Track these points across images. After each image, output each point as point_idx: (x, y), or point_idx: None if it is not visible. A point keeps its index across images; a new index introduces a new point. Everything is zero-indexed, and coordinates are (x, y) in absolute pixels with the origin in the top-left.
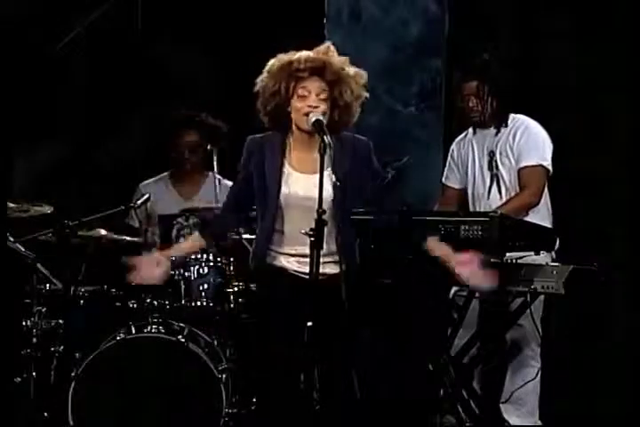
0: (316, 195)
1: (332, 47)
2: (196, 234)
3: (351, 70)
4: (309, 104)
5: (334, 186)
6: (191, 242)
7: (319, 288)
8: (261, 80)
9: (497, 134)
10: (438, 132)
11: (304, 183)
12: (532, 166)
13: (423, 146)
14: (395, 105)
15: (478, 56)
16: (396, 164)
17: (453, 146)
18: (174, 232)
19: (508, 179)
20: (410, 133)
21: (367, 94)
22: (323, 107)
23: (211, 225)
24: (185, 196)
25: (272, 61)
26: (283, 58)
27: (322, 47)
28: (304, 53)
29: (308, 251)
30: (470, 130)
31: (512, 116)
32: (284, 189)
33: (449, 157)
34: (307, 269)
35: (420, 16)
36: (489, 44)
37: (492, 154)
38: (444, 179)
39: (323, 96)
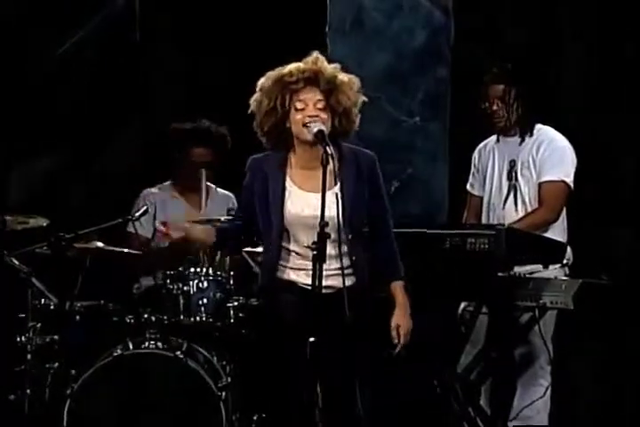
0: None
1: (321, 56)
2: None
3: (344, 77)
4: (308, 114)
5: (340, 202)
6: None
7: (327, 301)
8: (255, 99)
9: (521, 144)
10: (443, 143)
11: (309, 202)
12: (554, 182)
13: (428, 157)
14: (399, 115)
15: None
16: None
17: (475, 153)
18: None
19: (525, 191)
20: (414, 144)
21: (365, 98)
22: (322, 116)
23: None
24: (194, 206)
25: (262, 80)
26: (273, 74)
27: (310, 57)
28: (294, 65)
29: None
30: (494, 137)
31: (538, 126)
32: (288, 209)
33: (472, 165)
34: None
35: (425, 24)
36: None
37: (512, 163)
38: (468, 186)
39: (320, 105)
